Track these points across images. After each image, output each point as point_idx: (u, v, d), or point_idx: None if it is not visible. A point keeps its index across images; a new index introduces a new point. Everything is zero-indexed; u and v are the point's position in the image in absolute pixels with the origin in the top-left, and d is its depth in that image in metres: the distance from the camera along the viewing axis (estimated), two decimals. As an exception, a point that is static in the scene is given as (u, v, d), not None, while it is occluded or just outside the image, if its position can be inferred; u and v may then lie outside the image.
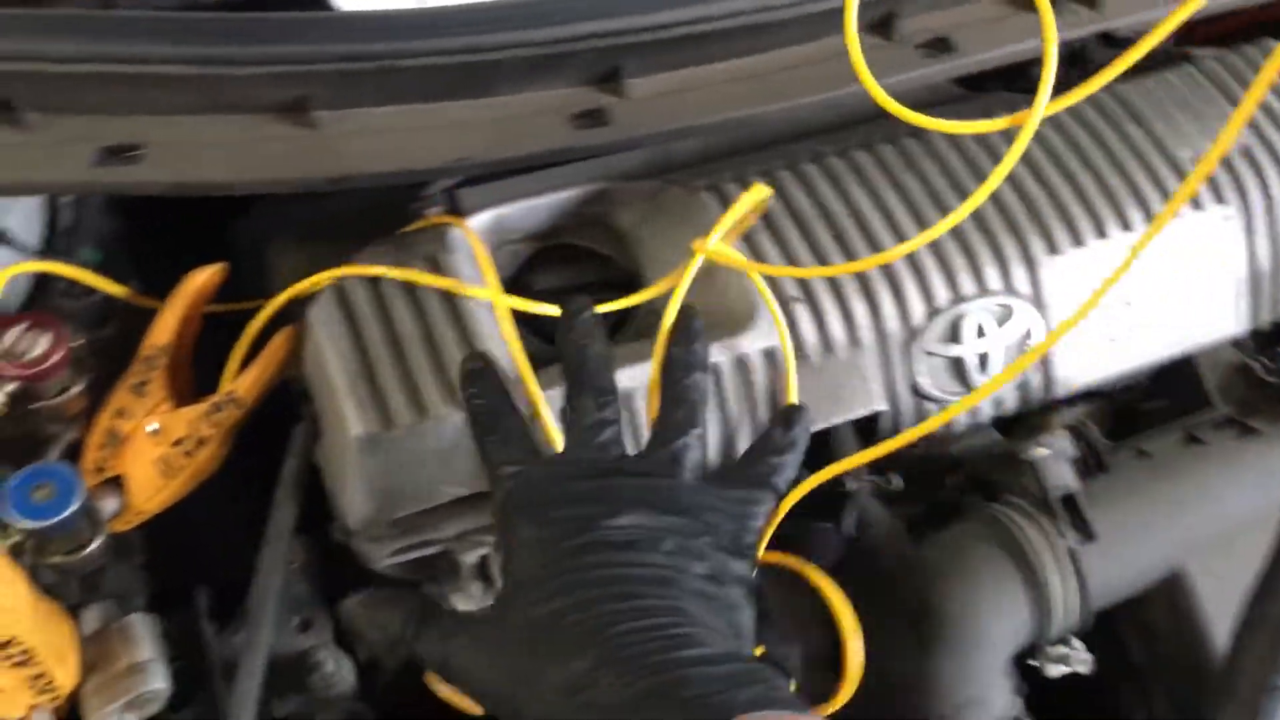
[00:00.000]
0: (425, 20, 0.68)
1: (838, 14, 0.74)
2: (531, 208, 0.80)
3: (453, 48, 0.68)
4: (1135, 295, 0.81)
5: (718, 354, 0.74)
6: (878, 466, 0.77)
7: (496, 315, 0.72)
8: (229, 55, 0.66)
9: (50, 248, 0.80)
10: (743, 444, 0.74)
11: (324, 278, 0.73)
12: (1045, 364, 0.80)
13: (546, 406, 0.69)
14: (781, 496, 0.63)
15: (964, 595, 0.70)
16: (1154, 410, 0.93)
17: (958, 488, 0.80)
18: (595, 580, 0.55)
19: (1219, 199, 0.83)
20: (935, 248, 0.78)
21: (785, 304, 0.76)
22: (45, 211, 0.80)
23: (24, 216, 0.78)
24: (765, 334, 0.75)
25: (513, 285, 0.77)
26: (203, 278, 0.75)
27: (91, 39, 0.64)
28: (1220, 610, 0.71)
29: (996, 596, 0.70)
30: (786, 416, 0.67)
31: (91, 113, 0.68)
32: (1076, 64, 0.89)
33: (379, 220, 0.79)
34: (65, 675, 0.66)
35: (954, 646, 0.68)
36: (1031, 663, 0.71)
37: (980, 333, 0.79)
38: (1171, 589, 0.73)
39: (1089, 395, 0.90)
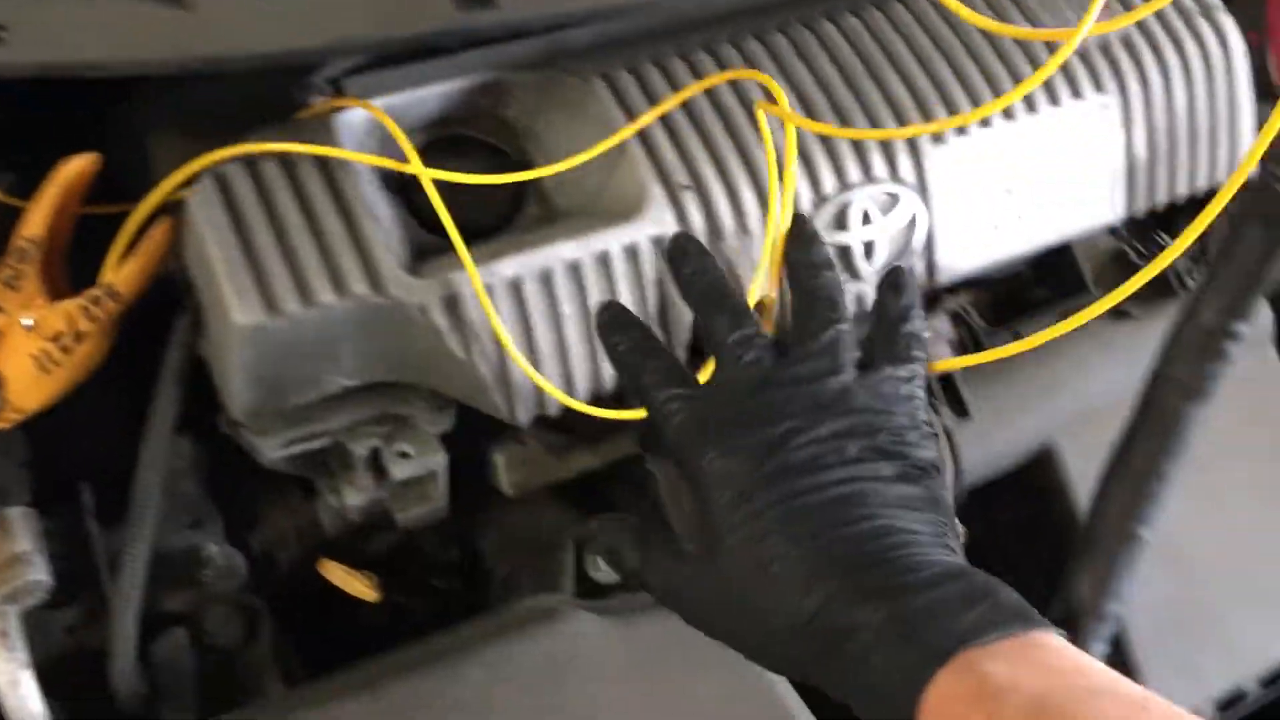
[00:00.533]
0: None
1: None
2: (420, 97, 0.78)
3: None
4: (1016, 183, 0.83)
5: (609, 241, 0.74)
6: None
7: (427, 191, 0.71)
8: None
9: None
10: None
11: (203, 162, 0.71)
12: (929, 251, 0.82)
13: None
14: (926, 363, 0.59)
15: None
16: (1035, 299, 0.96)
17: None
18: (800, 511, 0.52)
19: (1098, 88, 0.85)
20: (822, 136, 0.79)
21: (674, 192, 0.77)
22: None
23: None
24: (656, 221, 0.76)
25: (402, 176, 0.76)
26: (74, 167, 0.72)
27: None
28: (1087, 482, 0.74)
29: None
30: (893, 283, 0.61)
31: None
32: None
33: (264, 110, 0.77)
34: (-57, 571, 0.65)
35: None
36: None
37: (866, 220, 0.80)
38: (1042, 463, 0.76)
39: (971, 283, 0.93)
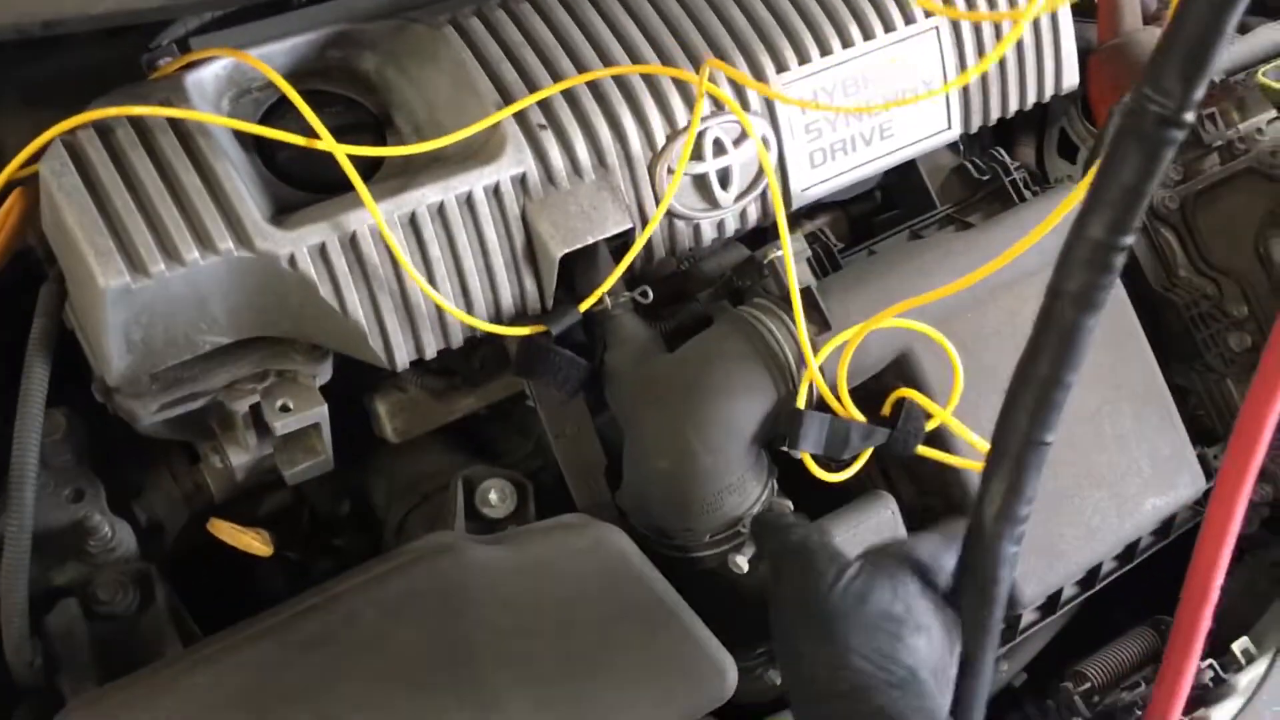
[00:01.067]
0: None
1: None
2: (269, 53, 0.79)
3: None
4: (859, 106, 0.87)
5: (472, 182, 0.76)
6: (630, 284, 0.81)
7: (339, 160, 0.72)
8: None
9: None
10: (500, 273, 0.77)
11: (53, 132, 0.70)
12: (782, 177, 0.86)
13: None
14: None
15: (716, 389, 0.75)
16: (887, 220, 1.01)
17: (710, 298, 0.85)
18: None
19: (928, 12, 0.89)
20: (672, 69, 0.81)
21: (531, 131, 0.78)
22: None
23: None
24: (515, 161, 0.77)
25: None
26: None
27: None
28: (943, 385, 0.79)
29: (746, 388, 0.75)
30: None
31: None
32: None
33: (111, 77, 0.77)
34: None
35: (710, 439, 0.74)
36: (783, 449, 0.77)
37: (720, 150, 0.83)
38: (900, 366, 0.80)
39: (826, 206, 0.97)
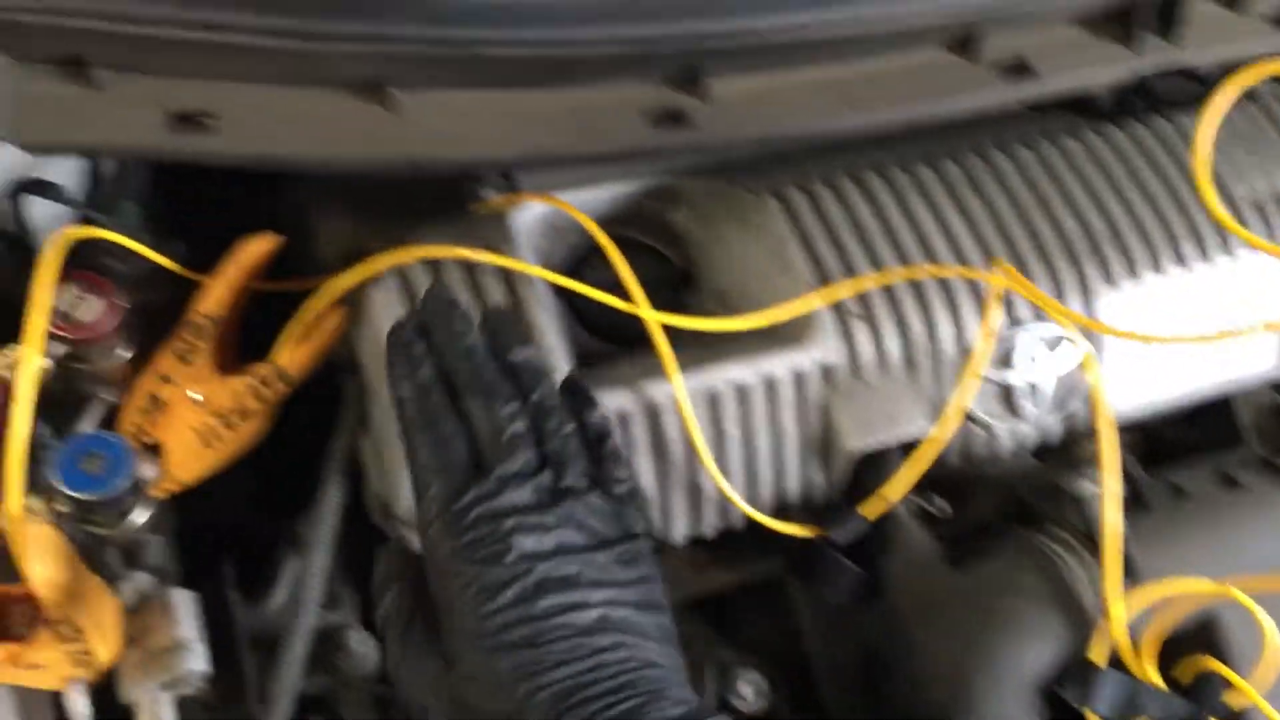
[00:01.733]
0: (511, 10, 0.66)
1: (925, 30, 0.74)
2: (591, 200, 0.79)
3: (537, 39, 0.67)
4: (1185, 330, 0.82)
5: (777, 364, 0.74)
6: (919, 488, 0.78)
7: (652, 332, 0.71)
8: (312, 30, 0.64)
9: (92, 199, 0.77)
10: (790, 461, 0.75)
11: (387, 260, 0.71)
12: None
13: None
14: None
15: (1007, 625, 0.70)
16: (1180, 439, 0.94)
17: (998, 513, 0.80)
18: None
19: (1272, 240, 0.84)
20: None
21: (843, 318, 0.76)
22: (88, 161, 0.78)
23: (66, 166, 0.75)
24: (824, 347, 0.75)
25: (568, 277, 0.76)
26: (256, 248, 0.73)
27: (173, 2, 0.62)
28: (1250, 653, 0.72)
29: (1039, 630, 0.71)
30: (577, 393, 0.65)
31: (164, 74, 0.65)
32: (1140, 94, 0.89)
33: (429, 191, 0.78)
34: (105, 649, 0.65)
35: (994, 679, 0.69)
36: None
37: (1033, 359, 0.79)
38: (1203, 629, 0.74)
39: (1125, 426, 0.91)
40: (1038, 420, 0.80)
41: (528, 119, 0.70)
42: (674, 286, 0.81)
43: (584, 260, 0.80)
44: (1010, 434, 0.80)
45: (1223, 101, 0.80)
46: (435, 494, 0.58)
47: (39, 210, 0.72)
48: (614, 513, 0.60)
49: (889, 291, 0.77)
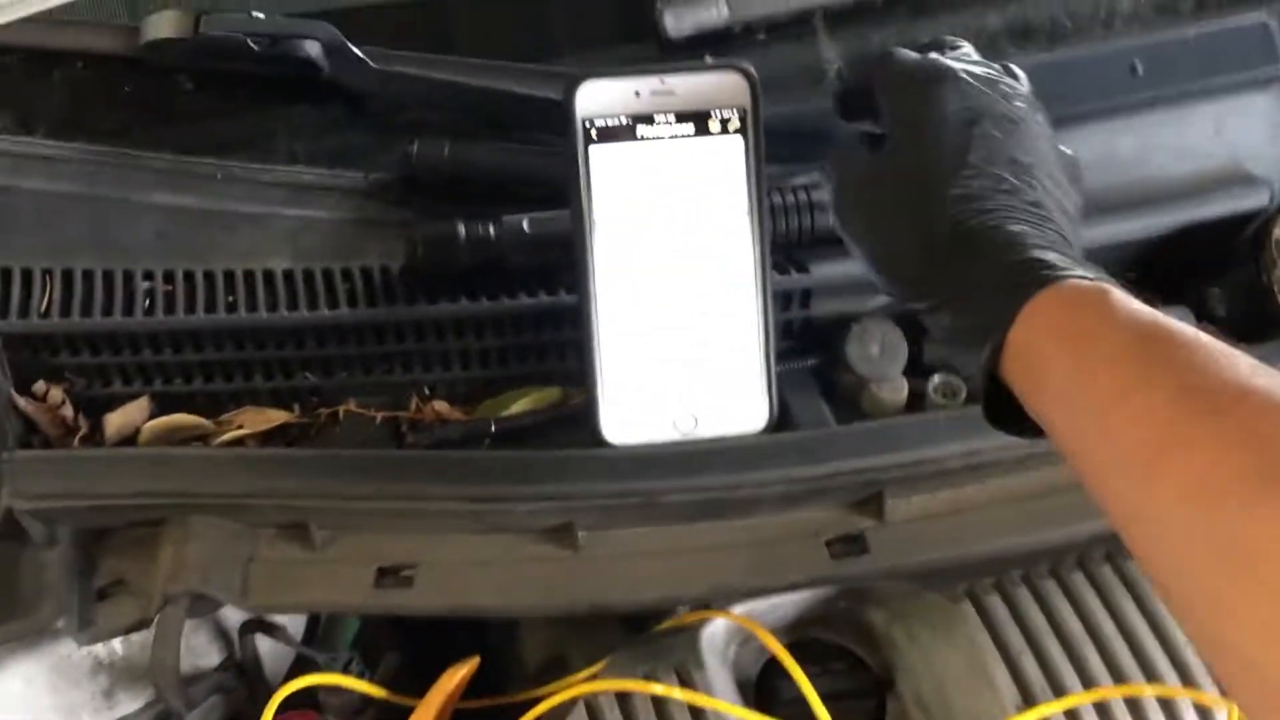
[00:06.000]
0: (688, 459, 0.69)
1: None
2: (774, 609, 0.78)
3: (714, 485, 0.69)
4: None
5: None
6: None
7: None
8: (504, 494, 0.68)
9: (312, 633, 0.83)
10: None
11: (578, 690, 0.73)
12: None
13: None
14: None
15: None
16: None
17: None
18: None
19: None
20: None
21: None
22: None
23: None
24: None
25: (760, 688, 0.76)
26: (459, 675, 0.76)
27: (385, 480, 0.68)
28: None
29: None
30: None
31: (371, 532, 0.71)
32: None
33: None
34: None
35: None
36: None
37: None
38: None
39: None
40: None
41: (706, 552, 0.71)
42: (874, 697, 0.79)
43: (771, 668, 0.79)
44: None
45: None
46: None
47: (266, 642, 0.78)
48: None
49: (1102, 710, 0.72)
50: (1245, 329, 0.78)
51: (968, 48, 0.65)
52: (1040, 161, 0.57)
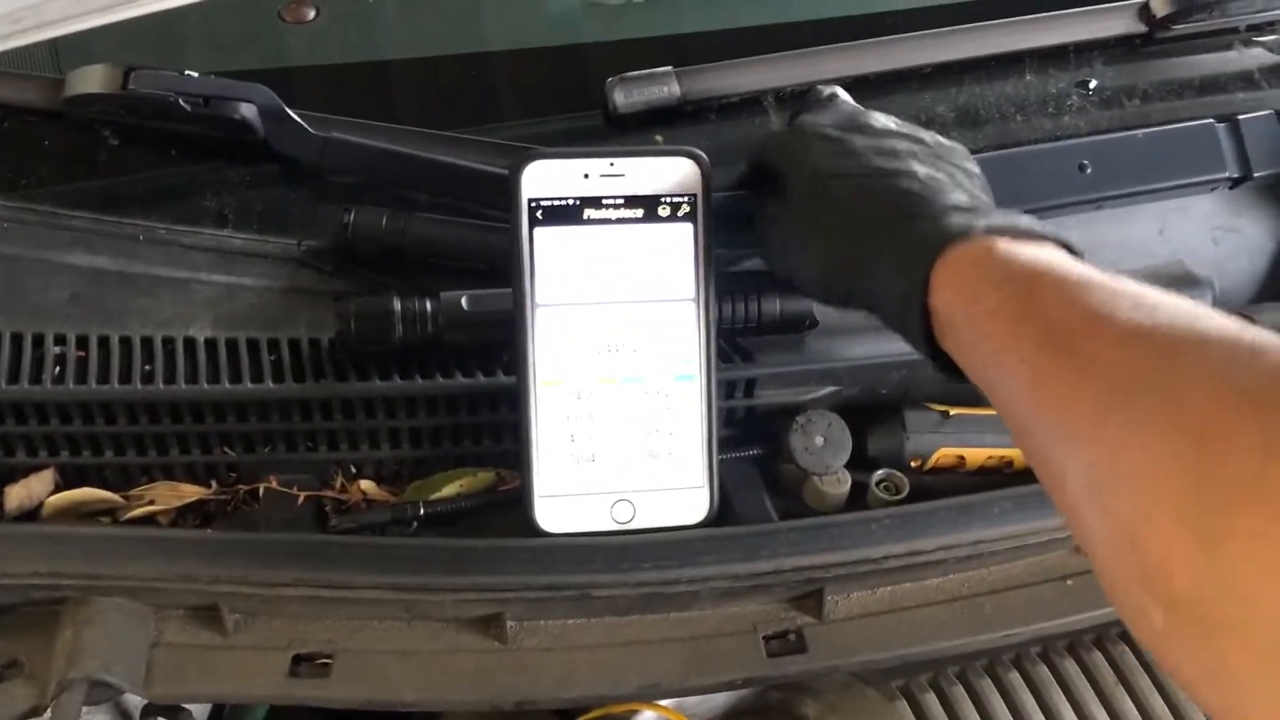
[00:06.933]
0: (625, 551, 0.67)
1: (1056, 540, 0.71)
2: (703, 704, 0.76)
3: (651, 580, 0.67)
4: None
5: None
6: None
7: None
8: (432, 583, 0.65)
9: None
10: None
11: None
12: None
13: None
14: None
15: None
16: None
17: None
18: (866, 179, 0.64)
19: None
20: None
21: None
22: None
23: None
24: None
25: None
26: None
27: (305, 567, 0.65)
28: None
29: None
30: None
31: (287, 618, 0.67)
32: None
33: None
34: None
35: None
36: None
37: None
38: None
39: None
40: None
41: (639, 647, 0.68)
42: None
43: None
44: None
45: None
46: None
47: (168, 731, 0.73)
48: None
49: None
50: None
51: (837, 90, 0.75)
52: (907, 153, 0.63)
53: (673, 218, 0.69)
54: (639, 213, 0.69)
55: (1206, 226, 0.84)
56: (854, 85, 0.81)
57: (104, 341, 0.71)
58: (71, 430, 0.70)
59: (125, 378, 0.69)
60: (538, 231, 0.68)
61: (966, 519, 0.69)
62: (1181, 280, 0.82)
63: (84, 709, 0.66)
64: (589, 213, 0.68)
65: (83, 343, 0.70)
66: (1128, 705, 0.75)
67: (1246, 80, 0.91)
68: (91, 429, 0.70)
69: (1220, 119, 0.81)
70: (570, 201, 0.68)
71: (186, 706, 0.73)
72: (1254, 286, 0.84)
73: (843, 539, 0.68)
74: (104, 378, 0.69)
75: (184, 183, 0.77)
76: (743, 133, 0.83)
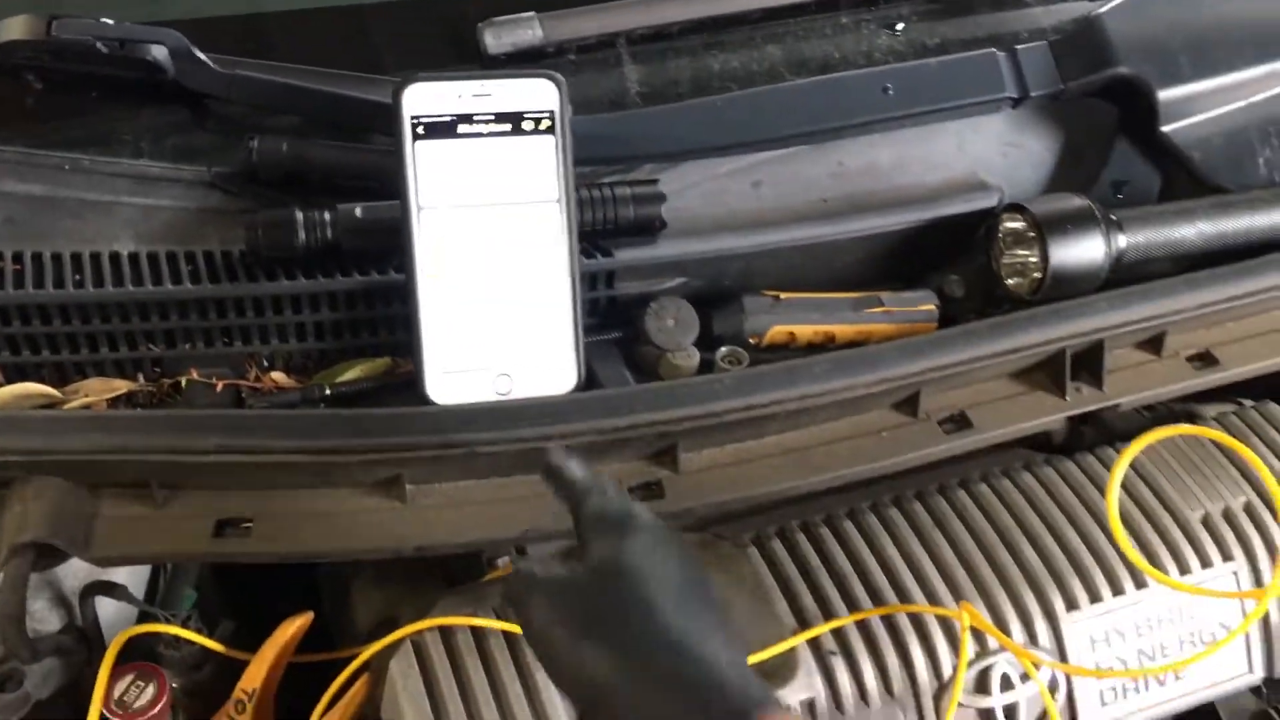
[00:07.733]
0: (505, 413, 0.78)
1: (870, 397, 0.84)
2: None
3: (528, 436, 0.78)
4: (1152, 648, 0.87)
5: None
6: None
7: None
8: (342, 446, 0.75)
9: (153, 593, 0.88)
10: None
11: (405, 631, 0.80)
12: (1071, 714, 0.85)
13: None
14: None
15: None
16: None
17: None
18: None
19: (1226, 556, 0.90)
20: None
21: (822, 656, 0.83)
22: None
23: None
24: (806, 686, 0.81)
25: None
26: (293, 629, 0.83)
27: (226, 435, 0.74)
28: None
29: None
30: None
31: (211, 489, 0.77)
32: (1090, 424, 0.98)
33: (451, 561, 0.88)
34: None
35: None
36: None
37: (1007, 685, 0.84)
38: None
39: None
40: (1018, 743, 0.84)
41: (519, 501, 0.80)
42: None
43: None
44: (993, 762, 0.84)
45: (1133, 456, 0.87)
46: None
47: (107, 608, 0.82)
48: None
49: (865, 630, 0.84)
50: (979, 306, 0.93)
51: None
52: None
53: (536, 130, 0.81)
54: (507, 127, 0.81)
55: (998, 143, 0.99)
56: (695, 28, 0.94)
57: (37, 256, 0.80)
58: (11, 332, 0.79)
59: (59, 285, 0.79)
60: (419, 145, 0.79)
61: (793, 378, 0.82)
62: (975, 188, 0.96)
63: (30, 582, 0.75)
64: (463, 127, 0.80)
65: (18, 258, 0.80)
66: (942, 544, 0.88)
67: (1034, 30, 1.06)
68: (29, 329, 0.79)
69: (1002, 49, 0.96)
70: (446, 118, 0.79)
71: (121, 583, 0.82)
72: (1036, 192, 0.99)
73: (690, 398, 0.80)
74: (39, 284, 0.78)
75: (105, 122, 0.87)
76: (598, 75, 0.96)
